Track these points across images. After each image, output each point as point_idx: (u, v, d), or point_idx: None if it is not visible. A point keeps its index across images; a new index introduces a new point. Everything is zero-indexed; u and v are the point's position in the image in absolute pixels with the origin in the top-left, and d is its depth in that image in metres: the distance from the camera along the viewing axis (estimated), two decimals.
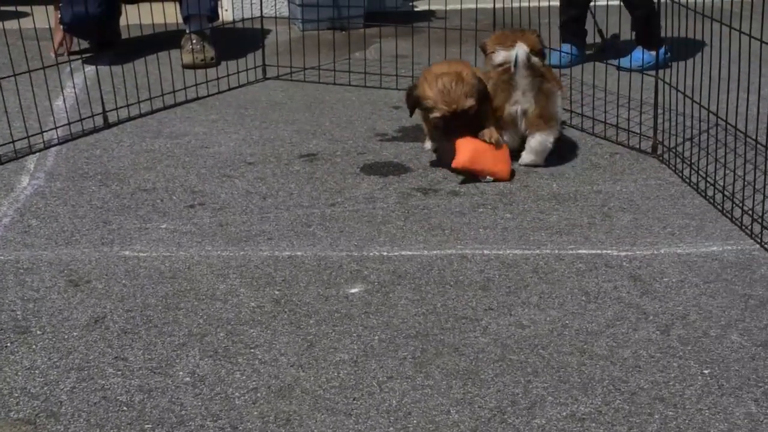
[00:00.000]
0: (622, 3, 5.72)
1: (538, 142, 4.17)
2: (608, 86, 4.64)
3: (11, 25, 4.69)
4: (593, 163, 4.26)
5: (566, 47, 5.61)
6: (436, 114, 4.05)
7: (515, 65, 4.07)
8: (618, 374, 2.77)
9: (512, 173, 4.12)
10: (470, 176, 4.08)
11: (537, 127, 4.14)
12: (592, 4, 5.72)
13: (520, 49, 4.06)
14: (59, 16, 5.67)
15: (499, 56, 4.25)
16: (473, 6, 5.40)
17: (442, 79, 4.03)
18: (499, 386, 2.72)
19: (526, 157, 4.22)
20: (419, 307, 3.13)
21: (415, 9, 6.99)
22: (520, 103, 4.11)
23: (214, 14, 5.78)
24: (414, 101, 4.14)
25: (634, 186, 4.01)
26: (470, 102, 4.01)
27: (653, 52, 5.49)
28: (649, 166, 4.22)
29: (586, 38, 5.80)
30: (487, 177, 4.08)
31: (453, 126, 4.06)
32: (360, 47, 5.85)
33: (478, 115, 4.07)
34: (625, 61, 5.51)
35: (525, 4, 5.06)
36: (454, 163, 4.06)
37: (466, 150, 4.05)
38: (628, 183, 4.04)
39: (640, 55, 5.49)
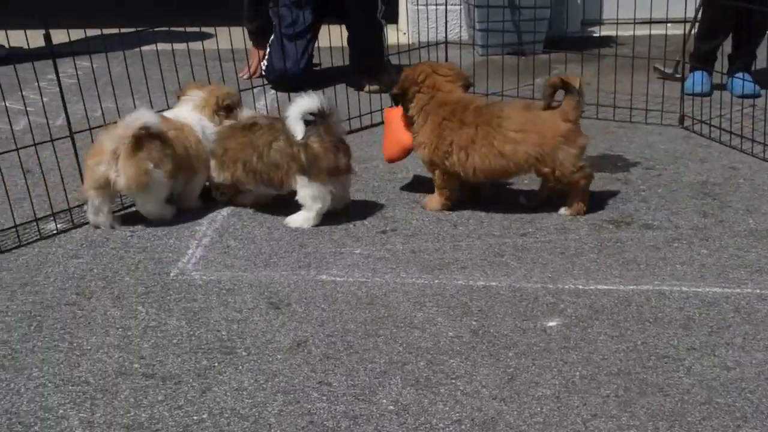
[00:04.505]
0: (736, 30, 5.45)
1: None
2: None
3: (195, 46, 4.83)
4: None
5: (699, 74, 5.44)
6: None
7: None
8: None
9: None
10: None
11: None
12: None
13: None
14: (264, 64, 5.80)
15: None
16: (662, 32, 5.31)
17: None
18: (707, 430, 2.67)
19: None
20: (619, 343, 3.10)
21: (594, 35, 6.92)
22: None
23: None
24: None
25: None
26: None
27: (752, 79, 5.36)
28: None
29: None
30: None
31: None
32: (542, 73, 5.81)
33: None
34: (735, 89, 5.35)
35: None
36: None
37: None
38: None
39: (741, 83, 5.30)
